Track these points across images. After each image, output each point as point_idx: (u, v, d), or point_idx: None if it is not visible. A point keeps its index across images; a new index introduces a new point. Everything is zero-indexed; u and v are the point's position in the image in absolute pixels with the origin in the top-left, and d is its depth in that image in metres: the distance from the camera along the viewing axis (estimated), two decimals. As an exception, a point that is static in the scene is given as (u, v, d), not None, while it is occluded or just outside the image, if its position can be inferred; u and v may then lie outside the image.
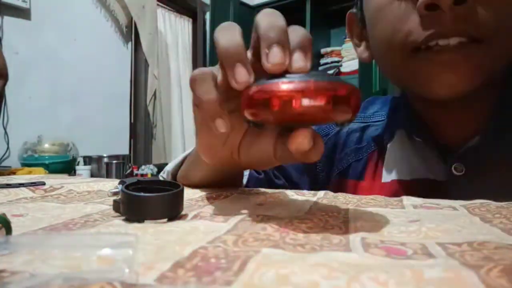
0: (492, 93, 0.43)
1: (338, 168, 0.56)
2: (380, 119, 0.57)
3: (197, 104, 0.27)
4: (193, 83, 0.26)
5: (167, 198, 0.26)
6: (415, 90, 0.45)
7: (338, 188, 0.54)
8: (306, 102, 0.21)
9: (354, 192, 0.53)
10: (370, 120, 0.58)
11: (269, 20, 0.23)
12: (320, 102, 0.21)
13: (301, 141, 0.23)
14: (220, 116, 0.25)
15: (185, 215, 0.28)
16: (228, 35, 0.24)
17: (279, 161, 0.29)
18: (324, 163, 0.57)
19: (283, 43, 0.22)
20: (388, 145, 0.53)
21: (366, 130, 0.57)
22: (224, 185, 0.43)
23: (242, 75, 0.23)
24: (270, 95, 0.21)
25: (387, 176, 0.52)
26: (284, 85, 0.21)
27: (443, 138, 0.47)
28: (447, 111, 0.46)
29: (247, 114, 0.23)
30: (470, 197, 0.44)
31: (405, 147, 0.51)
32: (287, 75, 0.22)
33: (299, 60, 0.23)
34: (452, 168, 0.45)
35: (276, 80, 0.22)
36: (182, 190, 0.28)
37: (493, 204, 0.30)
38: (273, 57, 0.22)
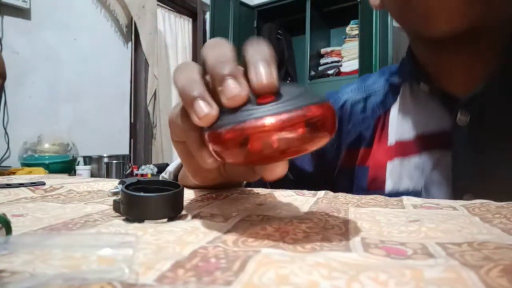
0: (500, 39, 0.44)
1: (347, 140, 0.57)
2: (380, 87, 0.58)
3: (181, 141, 0.27)
4: (174, 121, 0.26)
5: (167, 198, 0.26)
6: (417, 29, 0.45)
7: (349, 159, 0.56)
8: (283, 135, 0.19)
9: (364, 159, 0.55)
10: (371, 89, 0.59)
11: (214, 55, 0.22)
12: (298, 132, 0.19)
13: (278, 172, 0.22)
14: (209, 154, 0.23)
15: (185, 215, 0.28)
16: (184, 72, 0.23)
17: (261, 175, 0.29)
18: (332, 139, 0.58)
19: (235, 74, 0.21)
20: (392, 108, 0.54)
21: (368, 99, 0.58)
22: (226, 188, 0.43)
23: (201, 110, 0.21)
24: (245, 134, 0.19)
25: (392, 139, 0.53)
26: (260, 121, 0.19)
27: (449, 86, 0.47)
28: (452, 56, 0.46)
29: (213, 152, 0.22)
30: (475, 147, 0.45)
31: (409, 106, 0.52)
32: (254, 107, 0.20)
33: (262, 80, 0.20)
34: (458, 115, 0.45)
35: (247, 116, 0.19)
36: (182, 190, 0.28)
37: (493, 204, 0.30)
38: (229, 92, 0.20)
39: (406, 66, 0.53)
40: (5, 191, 0.40)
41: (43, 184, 0.46)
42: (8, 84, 0.88)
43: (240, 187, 0.48)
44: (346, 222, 0.25)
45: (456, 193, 0.45)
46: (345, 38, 2.94)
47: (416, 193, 0.48)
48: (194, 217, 0.27)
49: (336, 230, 0.23)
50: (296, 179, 0.57)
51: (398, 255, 0.18)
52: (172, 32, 2.92)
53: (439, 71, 0.48)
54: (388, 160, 0.52)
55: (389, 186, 0.51)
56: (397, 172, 0.51)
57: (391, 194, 0.50)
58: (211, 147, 0.22)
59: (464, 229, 0.23)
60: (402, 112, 0.53)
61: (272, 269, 0.15)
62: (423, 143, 0.49)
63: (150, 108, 2.62)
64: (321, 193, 0.39)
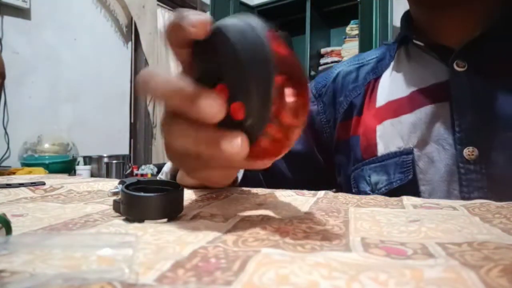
0: None
1: (341, 111, 0.56)
2: (373, 56, 0.58)
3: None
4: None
5: (167, 198, 0.26)
6: None
7: (343, 132, 0.55)
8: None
9: (356, 128, 0.54)
10: (364, 60, 0.59)
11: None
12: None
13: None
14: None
15: (185, 215, 0.28)
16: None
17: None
18: (328, 113, 0.58)
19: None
20: (384, 74, 0.54)
21: (361, 68, 0.58)
22: (219, 186, 0.43)
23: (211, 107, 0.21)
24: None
25: (382, 100, 0.52)
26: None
27: (444, 40, 0.48)
28: (448, 13, 0.47)
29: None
30: (474, 94, 0.44)
31: (403, 66, 0.52)
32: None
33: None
34: (454, 64, 0.45)
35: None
36: (182, 190, 0.28)
37: (493, 204, 0.30)
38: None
39: (402, 27, 0.54)
40: (5, 191, 0.40)
41: (43, 184, 0.46)
42: (8, 84, 0.88)
43: (235, 183, 0.48)
44: (346, 222, 0.25)
45: (457, 146, 0.44)
46: (345, 38, 2.94)
47: (408, 152, 0.47)
48: (194, 217, 0.27)
49: (336, 230, 0.23)
50: (291, 163, 0.56)
51: (398, 255, 0.18)
52: (172, 32, 2.92)
53: (436, 27, 0.49)
54: (377, 124, 0.51)
55: (380, 149, 0.50)
56: (388, 133, 0.50)
57: (383, 157, 0.49)
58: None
59: (464, 229, 0.23)
60: (396, 71, 0.52)
61: (272, 269, 0.15)
62: (419, 98, 0.48)
63: (150, 108, 2.62)
64: (321, 193, 0.39)
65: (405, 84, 0.50)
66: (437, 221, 0.25)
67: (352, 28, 2.86)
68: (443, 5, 0.45)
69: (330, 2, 2.91)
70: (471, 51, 0.45)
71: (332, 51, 3.05)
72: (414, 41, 0.50)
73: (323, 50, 3.08)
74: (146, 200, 0.26)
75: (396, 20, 2.38)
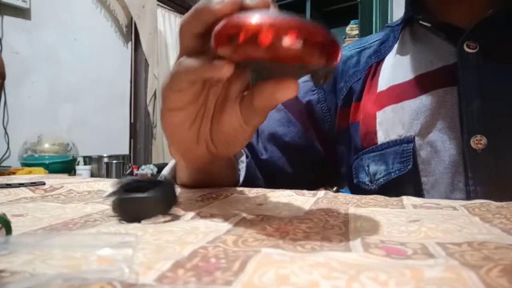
0: None
1: (340, 97, 0.53)
2: (376, 40, 0.55)
3: (177, 109, 0.28)
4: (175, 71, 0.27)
5: (156, 196, 0.26)
6: None
7: (343, 119, 0.53)
8: (276, 38, 0.21)
9: (355, 115, 0.51)
10: (367, 44, 0.56)
11: None
12: (290, 39, 0.21)
13: (290, 91, 0.23)
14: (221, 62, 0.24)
15: (185, 215, 0.28)
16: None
17: (250, 124, 0.29)
18: (329, 100, 0.55)
19: None
20: (387, 57, 0.51)
21: (363, 52, 0.55)
22: (219, 184, 0.43)
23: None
24: (238, 28, 0.21)
25: (383, 84, 0.49)
26: (253, 18, 0.21)
27: (453, 19, 0.44)
28: None
29: (221, 52, 0.23)
30: (482, 80, 0.40)
31: (408, 48, 0.48)
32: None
33: None
34: (464, 45, 0.42)
35: (244, 15, 0.22)
36: (172, 184, 0.28)
37: (493, 204, 0.30)
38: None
39: (407, 6, 0.50)
40: (5, 191, 0.40)
41: (43, 184, 0.46)
42: (8, 84, 0.88)
43: (236, 184, 0.47)
44: (346, 222, 0.25)
45: (464, 134, 0.41)
46: (345, 38, 2.93)
47: (408, 140, 0.44)
48: (194, 217, 0.27)
49: (336, 230, 0.23)
50: (291, 156, 0.54)
51: (398, 255, 0.18)
52: (172, 32, 2.92)
53: (444, 3, 0.45)
54: (377, 110, 0.48)
55: (380, 137, 0.47)
56: (389, 120, 0.46)
57: (383, 146, 0.46)
58: (223, 50, 0.22)
59: (464, 229, 0.23)
60: (400, 54, 0.49)
61: (272, 269, 0.15)
62: (424, 83, 0.44)
63: (150, 108, 2.62)
64: (321, 193, 0.39)
65: (409, 68, 0.47)
66: (437, 221, 0.25)
67: (352, 28, 2.86)
68: None
69: (330, 2, 2.91)
70: (483, 31, 0.41)
71: (332, 51, 3.04)
72: (421, 22, 0.47)
73: (323, 50, 3.08)
74: (134, 201, 0.26)
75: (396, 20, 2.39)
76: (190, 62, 0.25)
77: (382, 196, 0.37)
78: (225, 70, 0.23)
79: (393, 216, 0.27)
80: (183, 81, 0.26)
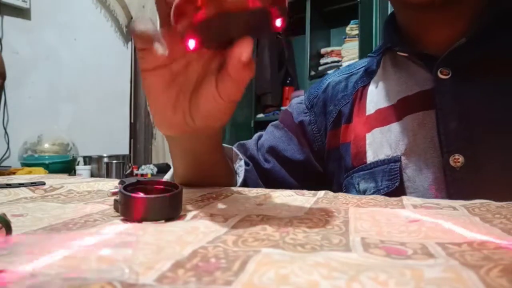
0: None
1: (330, 120, 0.57)
2: (362, 66, 0.59)
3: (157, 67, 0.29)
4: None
5: (165, 199, 0.26)
6: None
7: (334, 140, 0.57)
8: None
9: (346, 136, 0.55)
10: (354, 69, 0.60)
11: None
12: None
13: (242, 50, 0.25)
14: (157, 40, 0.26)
15: (185, 215, 0.28)
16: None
17: (224, 96, 0.30)
18: (319, 122, 0.59)
19: None
20: (372, 81, 0.55)
21: (350, 77, 0.59)
22: (214, 180, 0.43)
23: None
24: None
25: (371, 108, 0.53)
26: None
27: (429, 48, 0.48)
28: (434, 17, 0.47)
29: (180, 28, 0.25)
30: (458, 103, 0.44)
31: (389, 74, 0.52)
32: None
33: None
34: (438, 72, 0.45)
35: None
36: (181, 191, 0.28)
37: (493, 204, 0.30)
38: None
39: (386, 36, 0.54)
40: (5, 191, 0.40)
41: (43, 184, 0.46)
42: (8, 84, 0.88)
43: (234, 185, 0.48)
44: (346, 222, 0.25)
45: (443, 154, 0.44)
46: (345, 38, 2.93)
47: (396, 160, 0.47)
48: (194, 217, 0.27)
49: (336, 230, 0.23)
50: (291, 171, 0.57)
51: (398, 255, 0.18)
52: (172, 32, 2.92)
53: (420, 32, 0.49)
54: (367, 132, 0.52)
55: (369, 157, 0.50)
56: (378, 141, 0.50)
57: (372, 165, 0.50)
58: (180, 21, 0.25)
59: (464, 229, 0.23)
60: (383, 80, 0.53)
61: (272, 269, 0.15)
62: (405, 107, 0.48)
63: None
64: (321, 193, 0.39)
65: (392, 92, 0.50)
66: (437, 221, 0.25)
67: (352, 28, 2.85)
68: (430, 5, 0.44)
69: (330, 2, 2.90)
70: (455, 58, 0.45)
71: (332, 51, 3.04)
72: (398, 52, 0.51)
73: (323, 50, 3.08)
74: (144, 201, 0.26)
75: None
76: (149, 28, 0.27)
77: (382, 196, 0.37)
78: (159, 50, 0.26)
79: (393, 216, 0.27)
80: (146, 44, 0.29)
